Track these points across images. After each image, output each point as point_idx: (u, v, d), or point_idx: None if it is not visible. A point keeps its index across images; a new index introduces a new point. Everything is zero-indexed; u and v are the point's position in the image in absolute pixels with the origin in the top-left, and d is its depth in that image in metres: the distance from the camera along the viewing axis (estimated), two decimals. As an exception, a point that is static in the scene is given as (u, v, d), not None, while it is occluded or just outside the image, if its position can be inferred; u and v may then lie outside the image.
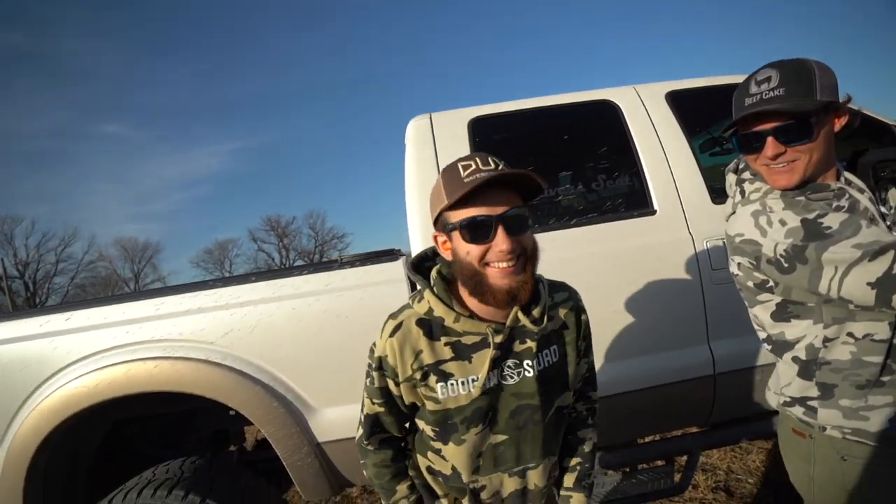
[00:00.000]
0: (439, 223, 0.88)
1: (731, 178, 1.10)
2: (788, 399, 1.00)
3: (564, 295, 1.00)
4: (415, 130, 1.80)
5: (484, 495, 0.97)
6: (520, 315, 0.89)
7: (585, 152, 1.86)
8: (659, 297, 1.64)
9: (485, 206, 0.80)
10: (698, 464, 1.71)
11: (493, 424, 0.92)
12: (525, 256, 0.84)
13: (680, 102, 1.82)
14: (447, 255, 0.90)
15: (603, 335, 1.61)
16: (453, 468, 0.95)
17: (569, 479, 1.05)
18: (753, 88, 0.93)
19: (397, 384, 0.92)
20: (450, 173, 0.84)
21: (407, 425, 1.03)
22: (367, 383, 0.96)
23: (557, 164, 1.86)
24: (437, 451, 0.96)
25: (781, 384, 1.02)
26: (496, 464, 0.95)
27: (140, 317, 1.59)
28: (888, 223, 0.97)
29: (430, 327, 0.90)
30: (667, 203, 1.69)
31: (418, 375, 0.89)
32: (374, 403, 0.95)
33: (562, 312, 0.98)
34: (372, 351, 0.95)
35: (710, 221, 1.67)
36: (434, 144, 1.76)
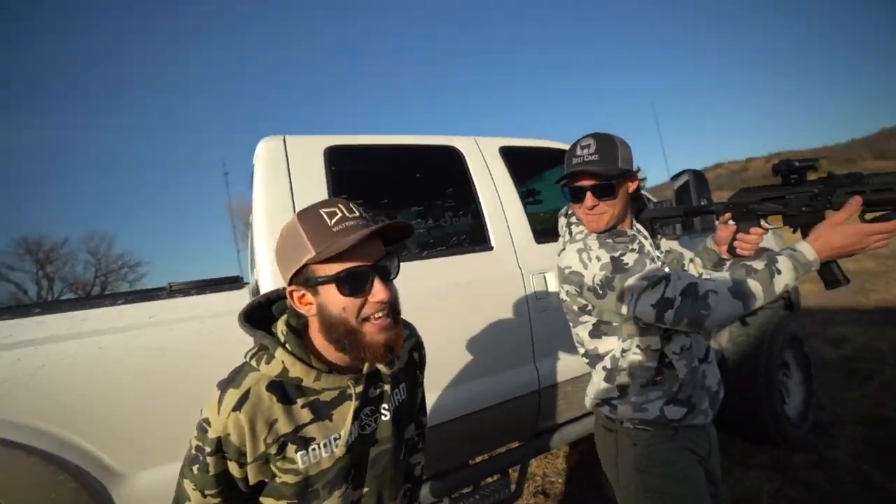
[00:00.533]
0: (300, 276, 0.79)
1: (562, 221, 1.35)
2: (599, 401, 1.25)
3: (407, 332, 1.02)
4: (266, 151, 1.69)
5: None
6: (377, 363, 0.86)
7: (433, 191, 2.02)
8: (494, 323, 1.85)
9: (359, 258, 0.77)
10: (527, 472, 1.93)
11: (355, 482, 0.87)
12: (398, 309, 0.84)
13: (510, 155, 2.16)
14: (306, 311, 0.81)
15: (443, 362, 1.71)
16: None
17: None
18: (578, 151, 1.18)
19: (242, 465, 0.78)
20: (312, 222, 0.77)
21: None
22: (194, 471, 0.77)
23: (408, 200, 1.98)
24: None
25: (594, 389, 1.27)
26: None
27: None
28: (661, 262, 1.31)
29: (284, 390, 0.80)
30: (502, 240, 1.95)
31: (273, 450, 0.78)
32: (205, 496, 0.77)
33: (405, 350, 1.00)
34: (202, 429, 0.77)
35: (534, 258, 1.99)
36: (288, 168, 1.67)
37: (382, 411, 0.90)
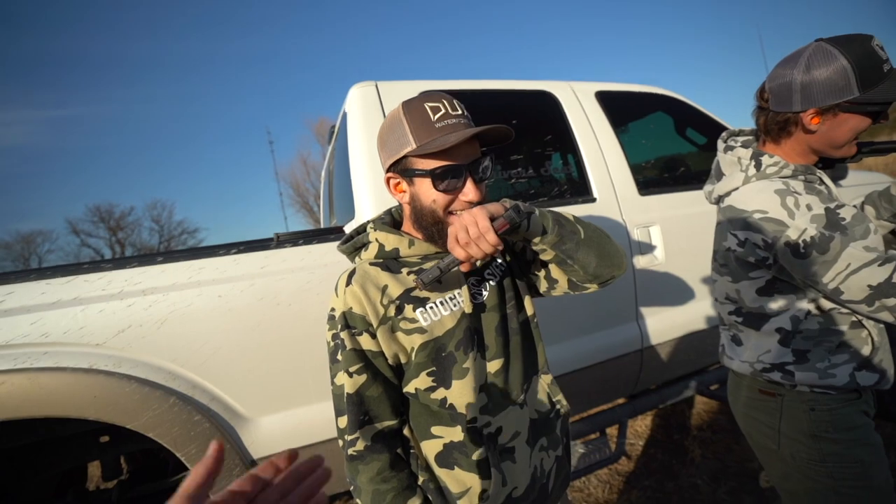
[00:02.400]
0: (398, 165, 0.83)
1: (741, 152, 1.07)
2: (768, 365, 1.06)
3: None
4: (361, 98, 1.61)
5: (503, 439, 0.84)
6: None
7: (529, 139, 1.89)
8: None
9: (457, 157, 0.79)
10: (627, 431, 1.87)
11: (483, 349, 0.85)
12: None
13: (607, 101, 1.98)
14: (400, 198, 0.87)
15: (545, 319, 1.63)
16: (465, 425, 0.80)
17: None
18: (882, 54, 0.90)
19: (373, 335, 0.80)
20: (417, 114, 0.79)
21: (399, 411, 0.85)
22: (337, 358, 0.81)
23: (503, 148, 1.86)
24: (445, 407, 0.81)
25: (756, 352, 1.09)
26: (503, 396, 0.86)
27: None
28: None
29: (387, 265, 0.85)
30: (604, 192, 1.81)
31: (392, 311, 0.81)
32: (351, 375, 0.80)
33: None
34: (330, 318, 0.84)
35: (638, 210, 1.84)
36: (382, 112, 1.60)
37: (487, 277, 0.90)
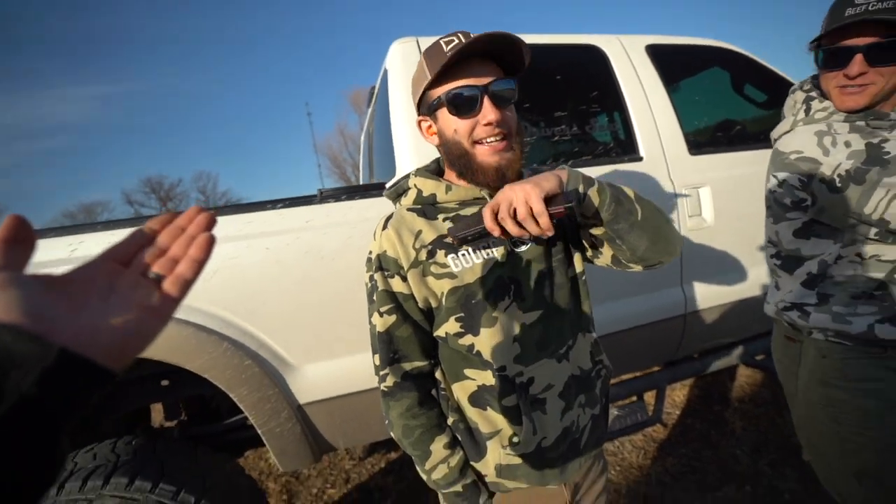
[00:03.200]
0: (423, 105, 0.84)
1: (798, 96, 1.09)
2: (788, 304, 1.09)
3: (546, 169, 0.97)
4: (401, 54, 1.58)
5: (535, 389, 0.83)
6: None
7: (575, 95, 1.82)
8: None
9: (470, 78, 0.77)
10: (665, 398, 1.84)
11: (519, 299, 0.83)
12: (511, 134, 0.81)
13: (658, 56, 1.86)
14: (433, 140, 0.87)
15: (588, 278, 1.61)
16: (495, 371, 0.81)
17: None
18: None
19: (404, 278, 0.82)
20: (432, 50, 0.79)
21: (430, 354, 0.88)
22: (373, 298, 0.85)
23: (549, 104, 1.79)
24: (473, 353, 0.82)
25: (783, 292, 1.10)
26: (539, 347, 0.84)
27: (50, 259, 1.19)
28: None
29: (423, 211, 0.85)
30: (652, 150, 1.73)
31: (423, 255, 0.81)
32: (382, 315, 0.83)
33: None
34: (368, 259, 0.87)
35: (688, 171, 1.75)
36: (424, 70, 1.57)
37: None
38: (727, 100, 2.14)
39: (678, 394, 2.77)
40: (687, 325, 1.78)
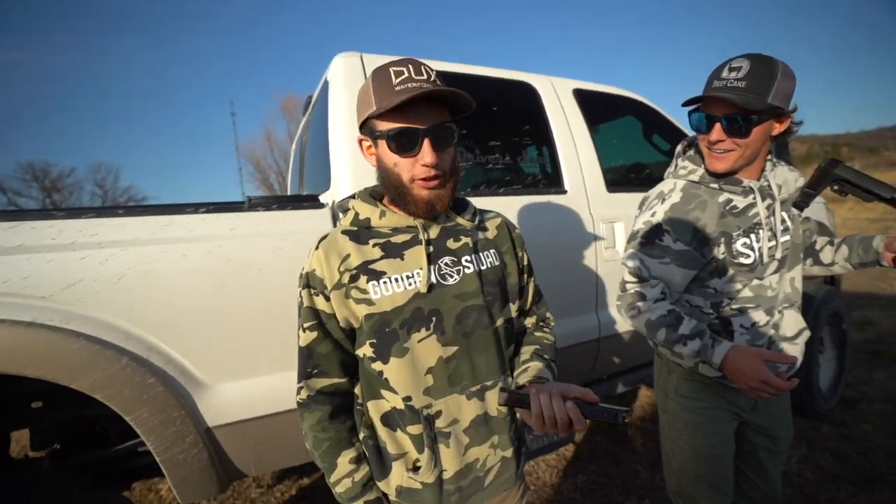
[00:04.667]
0: (366, 128, 0.86)
1: (677, 151, 1.26)
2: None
3: (494, 213, 1.03)
4: (344, 68, 1.58)
5: (440, 423, 0.85)
6: (451, 213, 0.92)
7: (508, 127, 1.92)
8: (562, 267, 1.81)
9: (414, 120, 0.79)
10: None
11: (439, 332, 0.84)
12: (446, 174, 0.84)
13: (583, 99, 2.04)
14: (371, 161, 0.89)
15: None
16: (403, 399, 0.84)
17: (525, 354, 0.97)
18: (724, 73, 1.02)
19: (328, 298, 0.83)
20: (380, 78, 0.80)
21: (349, 371, 0.89)
22: (300, 313, 0.87)
23: (483, 133, 1.88)
24: (383, 378, 0.84)
25: None
26: (451, 382, 0.85)
27: None
28: (778, 229, 1.13)
29: (357, 234, 0.87)
30: (575, 185, 1.87)
31: (346, 278, 0.83)
32: (304, 331, 0.85)
33: (493, 225, 0.99)
34: (300, 275, 0.88)
35: (605, 206, 1.92)
36: (366, 87, 1.57)
37: (465, 263, 0.89)
38: (639, 145, 2.38)
39: (588, 414, 2.94)
40: (600, 348, 1.91)
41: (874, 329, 4.10)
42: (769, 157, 1.18)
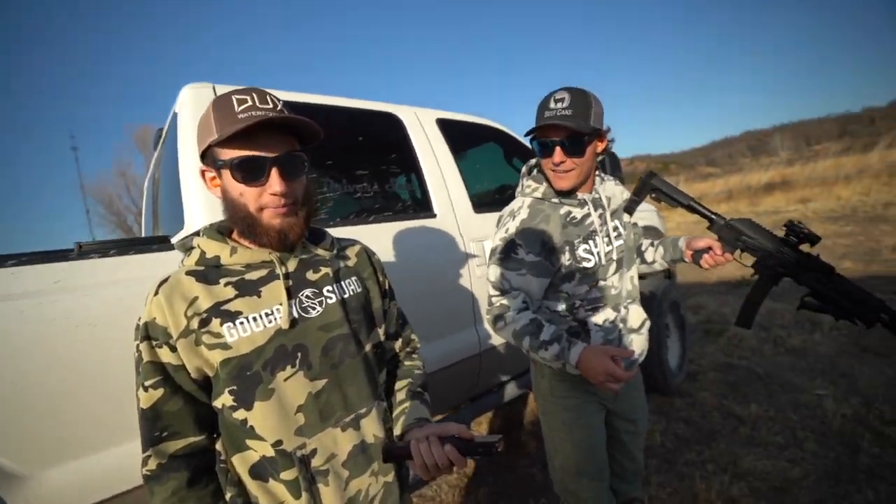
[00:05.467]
0: (208, 157, 0.82)
1: (523, 171, 1.39)
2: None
3: (352, 241, 1.04)
4: (194, 100, 1.49)
5: (317, 462, 0.81)
6: (308, 244, 0.90)
7: (374, 157, 1.97)
8: (438, 288, 1.88)
9: (259, 148, 0.78)
10: (470, 430, 2.01)
11: (305, 367, 0.82)
12: (298, 204, 0.83)
13: (447, 128, 2.19)
14: (216, 192, 0.84)
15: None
16: (273, 445, 0.78)
17: (400, 394, 0.99)
18: (552, 104, 1.17)
19: (174, 349, 0.76)
20: (222, 105, 0.78)
21: (207, 427, 0.82)
22: (138, 370, 0.78)
23: (348, 164, 1.90)
24: (247, 427, 0.78)
25: None
26: (323, 417, 0.82)
27: None
28: (610, 235, 1.31)
29: (205, 274, 0.80)
30: (444, 208, 1.98)
31: (195, 323, 0.76)
32: (146, 390, 0.76)
33: (353, 252, 1.00)
34: (136, 327, 0.79)
35: (474, 226, 2.05)
36: (219, 120, 1.50)
37: (327, 294, 0.87)
38: (501, 169, 2.61)
39: (483, 427, 3.04)
40: (483, 361, 2.01)
41: (704, 311, 4.93)
42: (598, 173, 1.38)
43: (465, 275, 1.95)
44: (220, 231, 0.87)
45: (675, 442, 2.56)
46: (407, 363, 1.07)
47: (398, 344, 1.08)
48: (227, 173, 0.79)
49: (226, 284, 0.80)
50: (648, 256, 1.50)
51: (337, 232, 1.54)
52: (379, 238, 1.73)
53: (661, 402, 3.01)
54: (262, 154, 0.77)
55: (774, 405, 2.77)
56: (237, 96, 0.78)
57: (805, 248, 1.21)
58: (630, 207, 1.35)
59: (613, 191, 1.39)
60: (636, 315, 1.39)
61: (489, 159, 2.61)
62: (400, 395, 0.98)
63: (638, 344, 1.38)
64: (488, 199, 2.39)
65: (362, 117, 1.91)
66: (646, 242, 1.53)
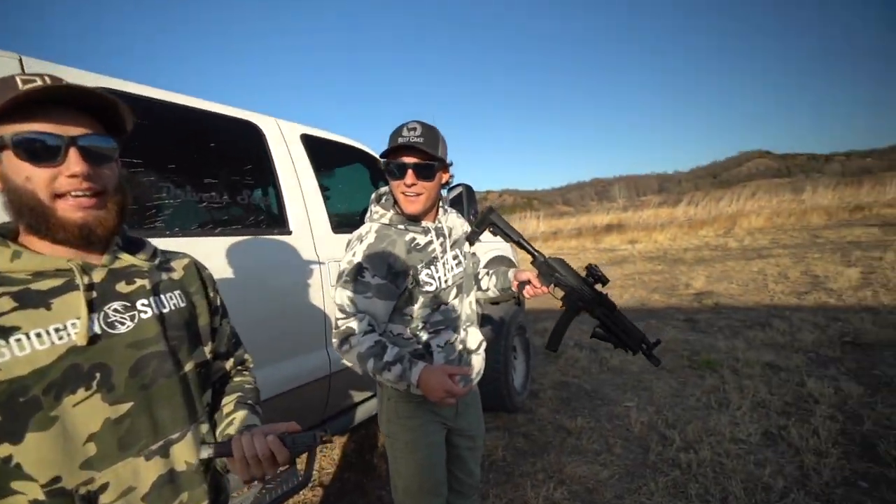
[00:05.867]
0: None
1: (372, 197, 1.44)
2: None
3: (181, 254, 0.97)
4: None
5: (107, 498, 0.70)
6: (122, 255, 0.80)
7: (227, 165, 1.84)
8: (289, 307, 1.82)
9: (53, 124, 0.69)
10: (317, 457, 1.94)
11: (106, 389, 0.72)
12: (107, 193, 0.75)
13: (311, 145, 2.16)
14: None
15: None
16: (45, 485, 0.66)
17: (228, 406, 0.93)
18: (405, 132, 1.25)
19: None
20: (3, 81, 0.69)
21: None
22: None
23: (197, 169, 1.75)
24: (11, 466, 0.65)
25: None
26: (123, 446, 0.73)
27: None
28: (454, 262, 1.42)
29: None
30: (300, 225, 1.93)
31: None
32: None
33: (179, 265, 0.92)
34: None
35: (331, 245, 2.04)
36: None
37: (141, 307, 0.79)
38: (366, 191, 2.65)
39: (336, 451, 2.95)
40: (332, 384, 1.98)
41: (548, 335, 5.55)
42: (441, 205, 1.49)
43: (318, 294, 1.92)
44: (3, 233, 0.74)
45: (514, 455, 2.79)
46: (237, 379, 1.01)
47: (229, 363, 1.02)
48: (8, 154, 0.68)
49: (4, 295, 0.67)
50: (483, 284, 1.66)
51: (178, 243, 1.42)
52: (226, 252, 1.62)
53: (507, 420, 3.27)
54: (55, 130, 0.69)
55: (595, 417, 3.21)
56: (23, 76, 0.68)
57: (598, 287, 1.46)
58: (471, 238, 1.49)
59: (455, 222, 1.51)
60: (474, 337, 1.51)
61: (355, 180, 2.64)
62: (228, 408, 0.92)
63: (476, 363, 1.50)
64: (350, 219, 2.40)
65: (218, 122, 1.79)
66: (482, 271, 1.69)
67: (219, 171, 1.79)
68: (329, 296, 1.96)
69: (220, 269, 1.56)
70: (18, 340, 0.66)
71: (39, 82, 0.68)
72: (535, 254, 1.48)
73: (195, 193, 1.65)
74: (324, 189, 2.41)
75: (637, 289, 7.91)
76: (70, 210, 0.71)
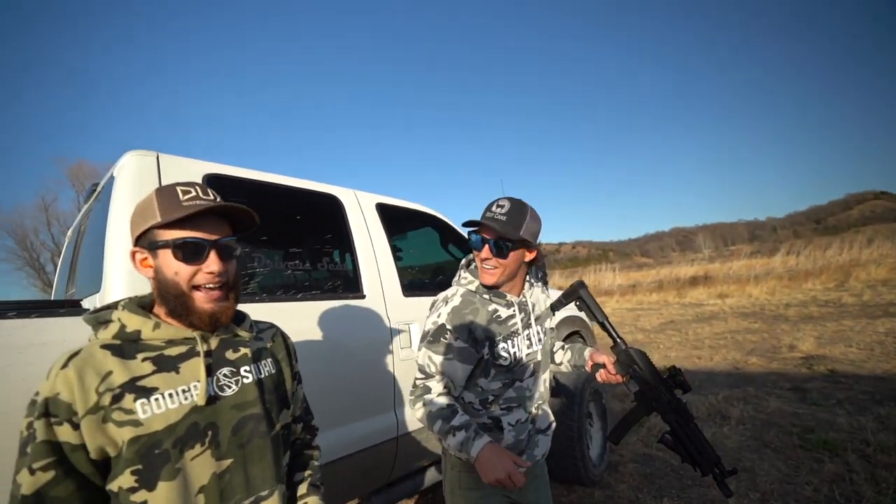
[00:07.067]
0: (144, 239, 0.86)
1: (463, 262, 1.47)
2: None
3: (269, 324, 1.09)
4: (136, 167, 1.53)
5: None
6: (231, 325, 0.94)
7: (311, 235, 2.04)
8: (361, 369, 1.90)
9: (200, 231, 0.85)
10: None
11: (214, 446, 0.83)
12: (229, 285, 0.89)
13: (385, 213, 2.32)
14: (145, 273, 0.88)
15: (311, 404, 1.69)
16: None
17: (302, 487, 1.04)
18: (494, 208, 1.29)
19: (76, 426, 0.73)
20: (167, 193, 0.85)
21: None
22: (26, 450, 0.73)
23: (285, 241, 1.96)
24: None
25: None
26: (224, 499, 0.83)
27: None
28: (534, 337, 1.40)
29: (122, 348, 0.81)
30: (373, 290, 2.05)
31: (107, 399, 0.75)
32: (33, 473, 0.71)
33: (269, 335, 1.05)
34: (32, 402, 0.75)
35: (401, 309, 2.12)
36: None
37: (244, 373, 0.91)
38: (436, 253, 2.76)
39: (402, 516, 2.89)
40: (399, 445, 1.99)
41: (629, 399, 5.13)
42: (528, 279, 1.48)
43: (389, 357, 1.99)
44: (141, 306, 0.89)
45: (591, 537, 2.55)
46: (306, 452, 1.10)
47: (299, 427, 1.10)
48: (165, 253, 0.83)
49: (143, 359, 0.81)
50: (558, 358, 1.62)
51: (264, 308, 1.57)
52: (306, 316, 1.76)
53: (582, 495, 3.03)
54: (204, 237, 0.84)
55: (685, 499, 2.86)
56: (181, 187, 0.86)
57: (678, 392, 1.36)
58: (556, 306, 1.48)
59: (539, 297, 1.51)
60: (545, 417, 1.46)
61: (426, 243, 2.76)
62: (302, 489, 1.02)
63: (543, 444, 1.45)
64: (420, 283, 2.50)
65: (303, 196, 2.01)
66: (557, 345, 1.65)
67: (303, 240, 1.98)
68: (398, 357, 2.02)
69: (301, 332, 1.69)
70: (157, 399, 0.79)
71: (193, 193, 0.86)
72: (618, 340, 1.44)
73: (282, 262, 1.84)
74: (396, 250, 2.56)
75: (730, 350, 7.10)
76: (203, 301, 0.85)
